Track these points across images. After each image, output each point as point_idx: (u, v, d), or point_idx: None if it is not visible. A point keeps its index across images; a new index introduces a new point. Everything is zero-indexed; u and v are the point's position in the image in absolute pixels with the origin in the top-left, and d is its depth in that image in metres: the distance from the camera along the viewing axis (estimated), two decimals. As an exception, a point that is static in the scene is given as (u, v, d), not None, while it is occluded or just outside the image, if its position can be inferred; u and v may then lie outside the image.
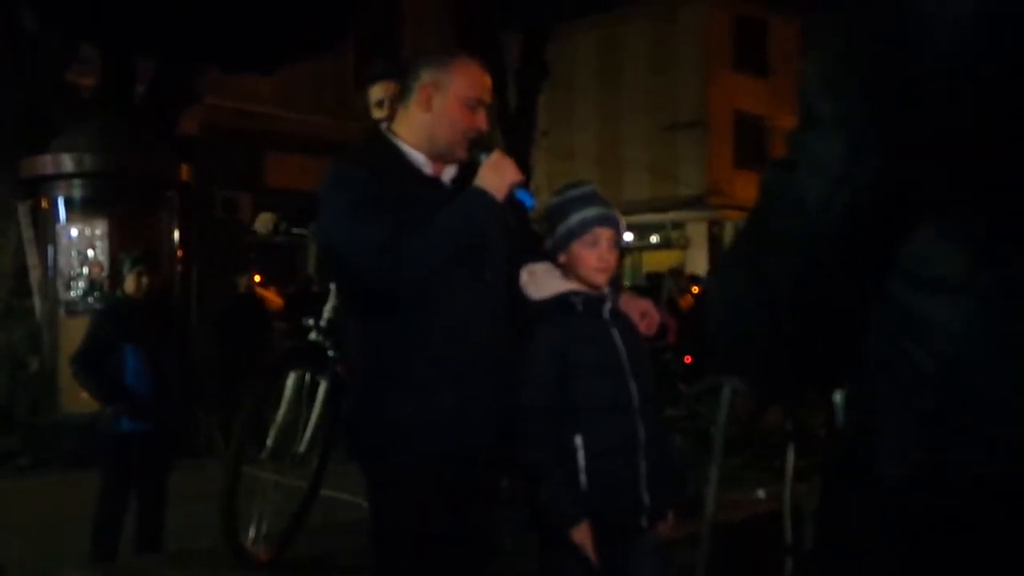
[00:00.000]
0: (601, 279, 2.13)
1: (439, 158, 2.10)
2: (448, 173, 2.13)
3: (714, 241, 18.92)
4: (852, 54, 0.66)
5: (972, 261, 0.64)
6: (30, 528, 4.62)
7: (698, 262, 17.65)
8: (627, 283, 12.93)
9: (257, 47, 8.09)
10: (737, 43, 19.69)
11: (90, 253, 7.16)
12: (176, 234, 7.69)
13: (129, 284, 3.86)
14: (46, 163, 7.21)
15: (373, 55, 8.71)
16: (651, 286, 9.89)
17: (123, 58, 8.14)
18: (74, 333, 5.11)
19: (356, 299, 2.09)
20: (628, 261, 16.60)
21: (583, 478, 2.03)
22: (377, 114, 2.94)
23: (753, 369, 0.83)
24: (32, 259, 7.58)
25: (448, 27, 11.51)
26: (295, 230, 3.10)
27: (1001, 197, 0.62)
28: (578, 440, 2.04)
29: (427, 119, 2.06)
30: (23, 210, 7.65)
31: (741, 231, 0.79)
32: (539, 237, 2.25)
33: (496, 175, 2.02)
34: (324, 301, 3.09)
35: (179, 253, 7.83)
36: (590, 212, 2.12)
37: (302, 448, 3.08)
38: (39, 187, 7.37)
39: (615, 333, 2.13)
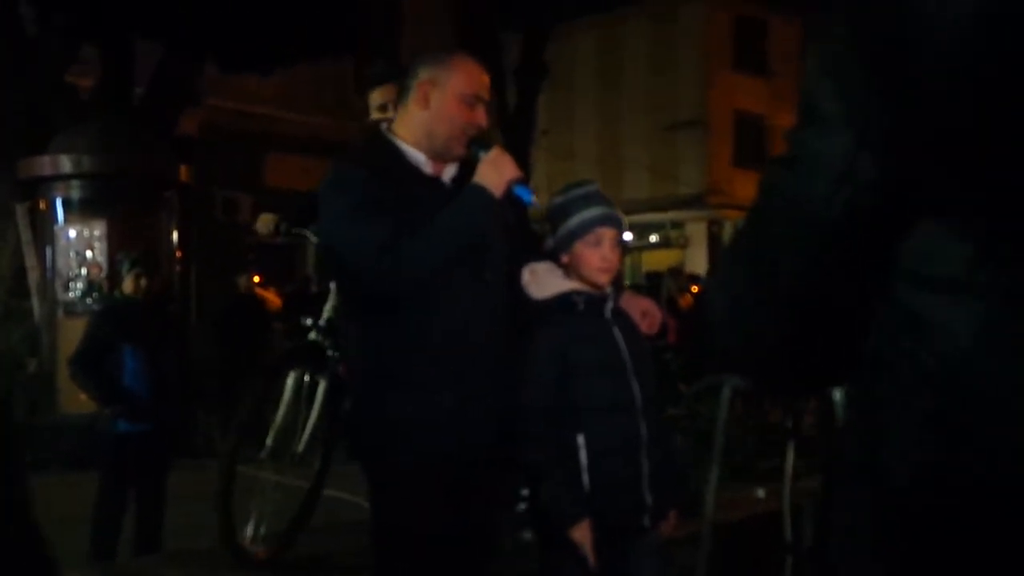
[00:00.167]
0: (604, 279, 2.13)
1: (438, 157, 2.09)
2: (448, 172, 2.12)
3: (713, 240, 18.93)
4: (852, 53, 0.66)
5: (973, 260, 0.64)
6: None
7: (697, 261, 17.66)
8: (627, 282, 12.93)
9: (265, 45, 8.09)
10: (737, 43, 19.70)
11: (88, 254, 7.15)
12: (175, 235, 7.68)
13: (127, 285, 3.86)
14: (44, 164, 7.21)
15: (373, 56, 8.71)
16: (650, 285, 9.90)
17: (123, 58, 8.14)
18: (72, 334, 5.10)
19: (356, 300, 2.09)
20: (628, 260, 16.60)
21: (585, 478, 2.03)
22: (378, 118, 2.94)
23: (753, 368, 0.82)
24: (30, 260, 7.58)
25: (448, 27, 11.52)
26: (295, 231, 3.11)
27: (1002, 197, 0.62)
28: (580, 440, 2.03)
29: (426, 117, 2.06)
30: (21, 211, 7.64)
31: (740, 229, 0.78)
32: (539, 236, 2.25)
33: (495, 171, 2.02)
34: (323, 301, 3.09)
35: (178, 254, 7.83)
36: (593, 212, 2.12)
37: (301, 448, 3.08)
38: (37, 188, 7.36)
39: (617, 332, 2.13)
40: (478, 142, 2.07)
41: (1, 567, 0.86)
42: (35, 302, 7.57)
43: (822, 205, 0.69)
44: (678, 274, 10.68)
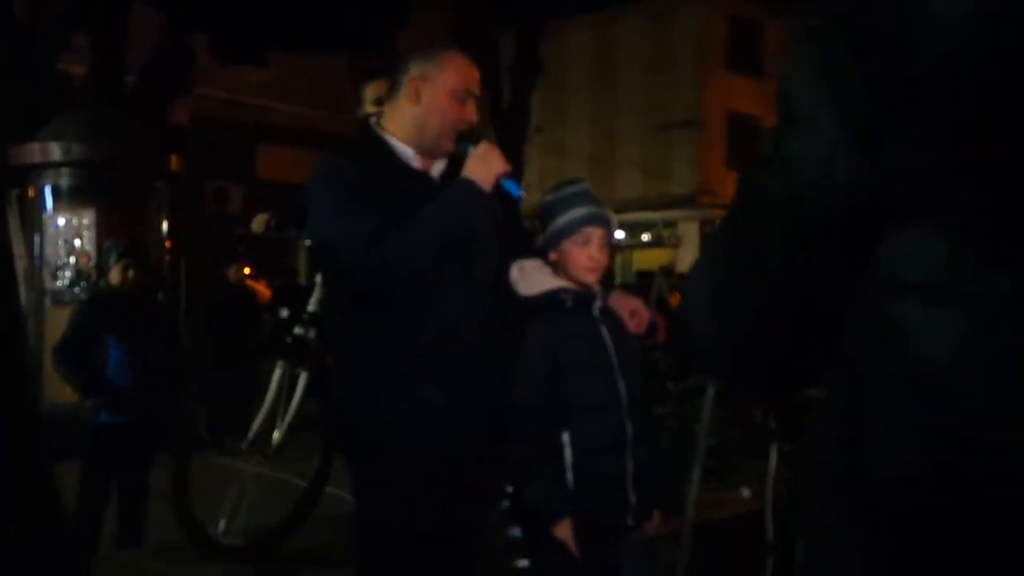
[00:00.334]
0: (591, 278, 2.13)
1: (427, 152, 2.09)
2: (437, 167, 2.12)
3: (705, 240, 18.91)
4: (841, 52, 0.65)
5: (948, 265, 0.64)
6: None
7: (689, 261, 17.64)
8: (617, 281, 12.95)
9: (263, 36, 8.05)
10: (732, 43, 19.72)
11: (77, 243, 7.10)
12: (165, 225, 7.65)
13: (114, 276, 3.82)
14: (34, 151, 7.15)
15: (369, 50, 8.69)
16: (641, 284, 9.91)
17: (115, 47, 8.09)
18: (60, 323, 5.06)
19: (346, 295, 2.08)
20: (619, 259, 16.63)
21: (569, 476, 2.03)
22: (372, 111, 2.94)
23: (728, 371, 0.82)
24: (18, 248, 7.52)
25: (445, 24, 11.49)
26: (284, 228, 3.14)
27: (997, 197, 0.62)
28: (565, 437, 2.04)
29: (416, 112, 2.05)
30: (9, 198, 7.59)
31: (717, 230, 0.78)
32: (531, 232, 2.25)
33: (483, 166, 2.02)
34: (310, 294, 3.09)
35: (168, 244, 7.79)
36: (581, 211, 2.12)
37: (278, 440, 3.08)
38: (26, 175, 7.31)
39: (604, 331, 2.13)
40: (467, 137, 2.07)
41: (31, 565, 0.86)
42: (22, 291, 7.52)
43: (799, 206, 0.69)
44: (669, 273, 10.69)
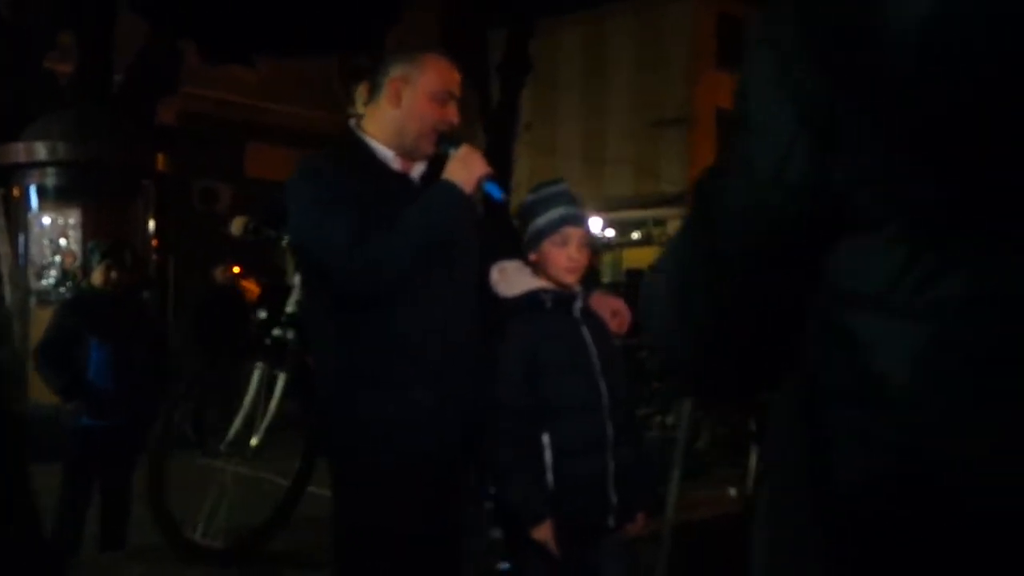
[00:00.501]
0: (570, 279, 2.13)
1: (408, 154, 2.08)
2: (417, 169, 2.11)
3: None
4: (803, 55, 0.65)
5: (898, 275, 0.64)
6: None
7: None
8: (607, 279, 12.96)
9: (250, 37, 8.02)
10: (720, 41, 19.75)
11: (63, 242, 7.06)
12: (152, 224, 7.61)
13: (97, 276, 3.79)
14: (19, 151, 7.11)
15: (358, 50, 8.66)
16: (631, 283, 9.91)
17: (102, 45, 8.04)
18: (45, 323, 5.05)
19: (328, 296, 2.07)
20: (609, 257, 16.64)
21: (549, 477, 2.03)
22: (362, 111, 2.94)
23: (695, 373, 0.82)
24: (3, 247, 7.47)
25: (435, 23, 11.46)
26: (264, 230, 3.13)
27: (954, 197, 0.62)
28: (545, 439, 2.03)
29: (397, 114, 2.05)
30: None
31: (678, 232, 0.78)
32: (519, 233, 2.24)
33: (464, 168, 2.01)
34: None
35: (155, 243, 7.75)
36: (559, 211, 2.12)
37: (257, 441, 3.08)
38: (12, 174, 7.26)
39: (585, 332, 2.13)
40: (448, 139, 2.07)
41: (7, 565, 0.85)
42: (7, 290, 7.47)
43: (754, 211, 0.68)
44: (658, 272, 10.67)
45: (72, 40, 8.31)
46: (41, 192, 7.20)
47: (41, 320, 6.49)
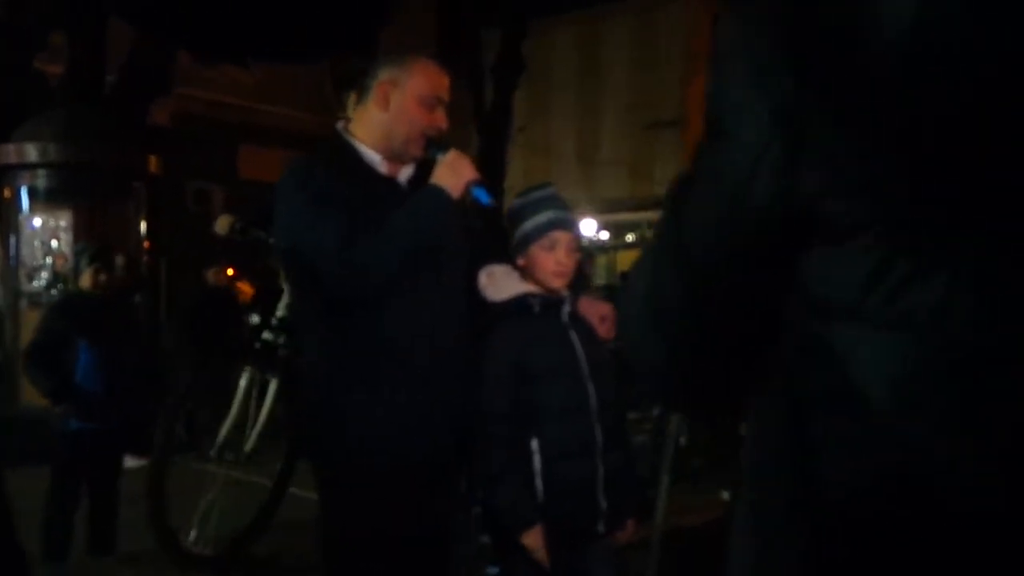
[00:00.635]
0: (558, 283, 2.12)
1: (395, 158, 2.08)
2: (404, 173, 2.11)
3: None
4: (783, 62, 0.63)
5: (867, 286, 0.63)
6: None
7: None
8: (601, 282, 12.95)
9: (242, 43, 8.00)
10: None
11: (54, 244, 7.04)
12: (143, 226, 7.59)
13: (85, 279, 3.78)
14: (9, 152, 7.08)
15: (350, 53, 8.63)
16: (625, 286, 9.87)
17: (94, 46, 8.01)
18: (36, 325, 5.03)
19: (317, 300, 2.06)
20: (603, 260, 16.64)
21: (538, 482, 2.02)
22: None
23: (675, 384, 0.81)
24: (-6, 249, 7.45)
25: (429, 25, 11.45)
26: (251, 231, 3.10)
27: (931, 201, 0.61)
28: (534, 444, 2.03)
29: (385, 118, 2.05)
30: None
31: (651, 243, 0.77)
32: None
33: (453, 173, 2.01)
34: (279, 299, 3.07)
35: (147, 245, 7.73)
36: (547, 215, 2.11)
37: (249, 446, 3.06)
38: (2, 176, 7.23)
39: (573, 336, 2.12)
40: (436, 144, 2.06)
41: None
42: (-2, 292, 7.44)
43: (723, 222, 0.68)
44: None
45: (63, 40, 8.28)
46: (32, 194, 7.17)
47: (32, 322, 6.47)
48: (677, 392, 0.80)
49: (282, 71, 11.65)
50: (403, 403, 1.98)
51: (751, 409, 0.75)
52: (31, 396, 5.71)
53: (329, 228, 1.91)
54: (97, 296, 3.78)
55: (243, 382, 3.04)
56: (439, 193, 1.99)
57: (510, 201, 2.25)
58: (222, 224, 3.24)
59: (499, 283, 2.14)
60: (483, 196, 2.08)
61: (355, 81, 2.97)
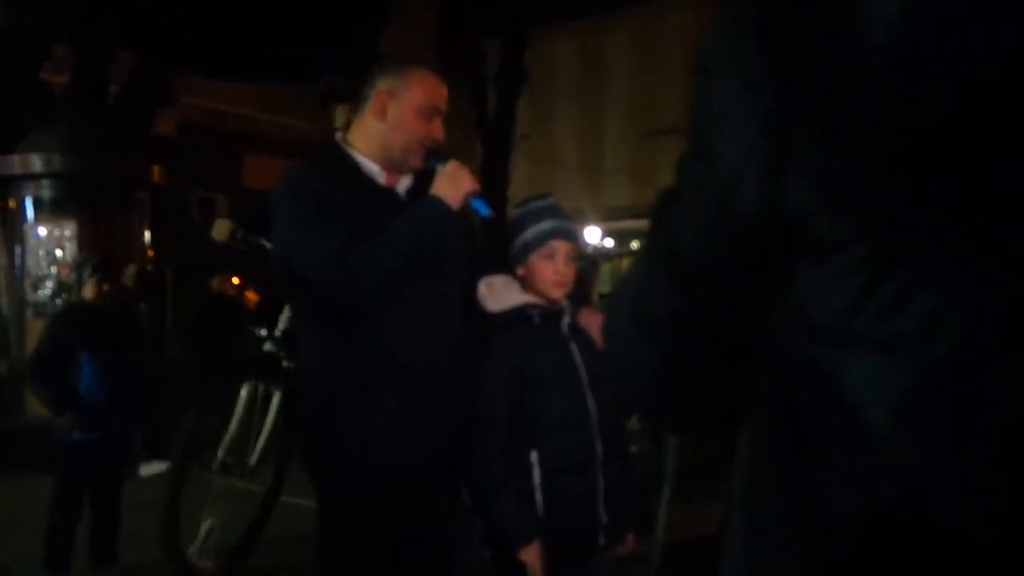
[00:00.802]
0: (558, 293, 2.12)
1: (393, 168, 2.08)
2: (403, 184, 2.11)
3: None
4: (769, 74, 0.62)
5: (854, 307, 0.62)
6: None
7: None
8: (606, 289, 12.93)
9: (242, 64, 8.03)
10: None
11: (59, 254, 7.07)
12: (148, 235, 7.61)
13: (88, 290, 3.79)
14: (14, 163, 7.12)
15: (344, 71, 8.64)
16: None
17: (98, 57, 8.04)
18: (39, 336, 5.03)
19: (315, 310, 2.06)
20: (607, 268, 16.63)
21: (538, 496, 2.01)
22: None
23: (667, 402, 0.80)
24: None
25: (429, 32, 11.47)
26: (252, 238, 3.09)
27: (920, 217, 0.60)
28: (533, 456, 2.02)
29: (382, 128, 2.05)
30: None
31: (638, 257, 0.77)
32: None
33: (452, 184, 2.01)
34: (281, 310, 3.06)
35: (151, 254, 7.75)
36: (546, 225, 2.11)
37: (254, 460, 3.05)
38: (8, 187, 7.27)
39: (573, 347, 2.11)
40: (435, 155, 2.06)
41: None
42: (4, 302, 7.46)
43: (706, 240, 0.67)
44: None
45: (68, 52, 8.32)
46: (37, 204, 7.21)
47: (37, 331, 6.47)
48: (666, 405, 0.79)
49: (286, 81, 11.67)
50: (404, 410, 1.98)
51: (743, 430, 0.74)
52: (35, 407, 5.72)
53: (328, 238, 1.91)
54: (100, 306, 3.78)
55: (244, 394, 3.03)
56: (439, 204, 1.99)
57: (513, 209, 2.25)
58: (220, 230, 3.21)
59: (499, 294, 2.13)
60: (482, 208, 2.08)
61: (341, 94, 2.98)
